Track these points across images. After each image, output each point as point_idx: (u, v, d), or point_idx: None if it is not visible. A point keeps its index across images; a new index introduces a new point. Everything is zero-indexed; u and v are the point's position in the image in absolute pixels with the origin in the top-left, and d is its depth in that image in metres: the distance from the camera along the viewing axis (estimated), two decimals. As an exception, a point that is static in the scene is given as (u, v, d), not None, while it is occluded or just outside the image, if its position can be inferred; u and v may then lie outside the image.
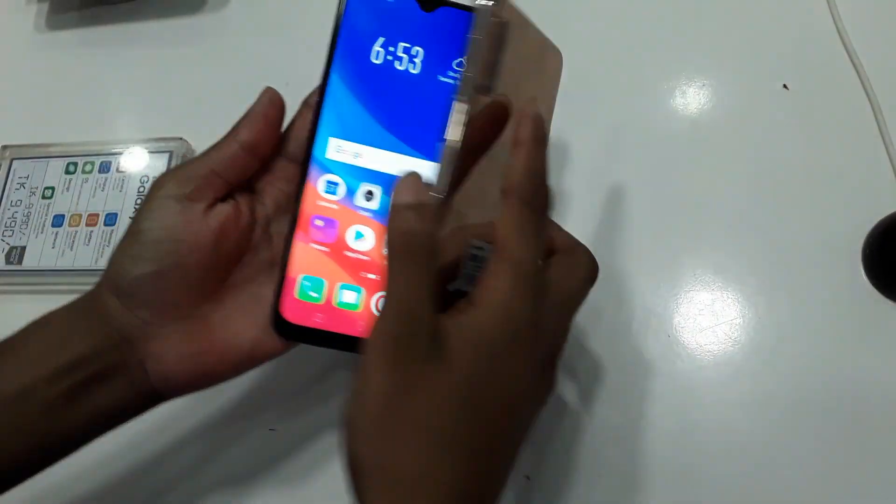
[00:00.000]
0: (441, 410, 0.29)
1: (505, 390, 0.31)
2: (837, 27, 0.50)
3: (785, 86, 0.50)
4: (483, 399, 0.30)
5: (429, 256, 0.30)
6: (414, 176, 0.31)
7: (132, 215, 0.37)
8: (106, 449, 0.40)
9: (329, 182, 0.37)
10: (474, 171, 0.32)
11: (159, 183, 0.36)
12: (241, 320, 0.37)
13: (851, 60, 0.49)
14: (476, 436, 0.30)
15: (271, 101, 0.38)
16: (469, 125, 0.31)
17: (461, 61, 0.35)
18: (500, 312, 0.30)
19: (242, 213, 0.38)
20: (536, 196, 0.32)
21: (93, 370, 0.35)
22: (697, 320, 0.44)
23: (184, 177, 0.36)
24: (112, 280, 0.36)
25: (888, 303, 0.43)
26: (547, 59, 0.37)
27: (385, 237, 0.31)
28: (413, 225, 0.30)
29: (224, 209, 0.37)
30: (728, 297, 0.45)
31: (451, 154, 0.31)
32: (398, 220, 0.30)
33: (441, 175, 0.31)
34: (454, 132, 0.31)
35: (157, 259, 0.35)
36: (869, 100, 0.48)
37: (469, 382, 0.30)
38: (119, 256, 0.36)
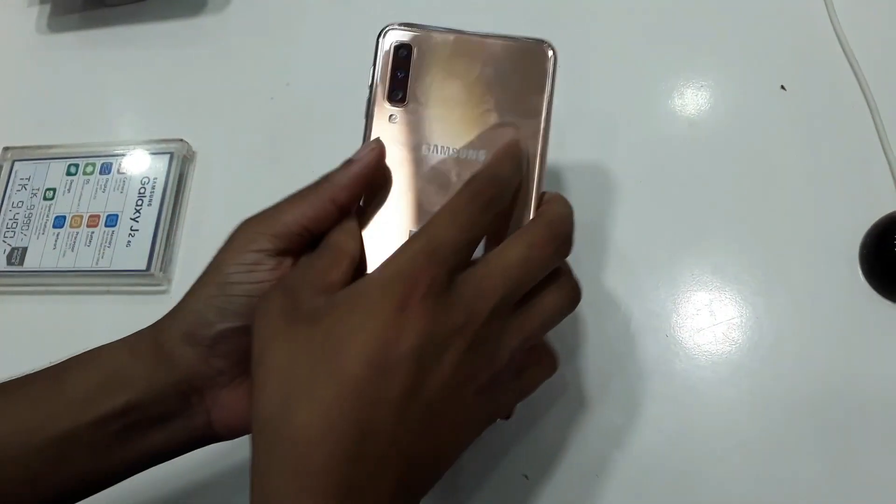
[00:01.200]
0: (300, 361, 0.30)
1: (369, 352, 0.29)
2: (835, 28, 0.51)
3: (782, 87, 0.50)
4: (342, 354, 0.29)
5: (329, 252, 0.34)
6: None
7: (209, 263, 0.35)
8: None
9: None
10: None
11: (250, 235, 0.34)
12: None
13: (849, 61, 0.50)
14: (330, 387, 0.29)
15: (376, 163, 0.35)
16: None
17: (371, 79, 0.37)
18: (390, 277, 0.30)
19: None
20: (485, 191, 0.32)
21: (150, 414, 0.34)
22: (695, 320, 0.45)
23: (276, 230, 0.34)
24: (191, 329, 0.34)
25: (885, 302, 0.44)
26: (517, 63, 0.37)
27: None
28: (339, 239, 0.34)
29: None
30: (726, 297, 0.45)
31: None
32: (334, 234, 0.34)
33: None
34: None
35: (245, 315, 0.33)
36: (866, 100, 0.48)
37: (331, 336, 0.29)
38: (201, 306, 0.34)
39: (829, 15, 0.51)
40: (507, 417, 0.36)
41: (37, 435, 0.33)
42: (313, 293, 0.31)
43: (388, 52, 0.36)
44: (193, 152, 0.56)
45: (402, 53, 0.36)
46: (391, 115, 0.36)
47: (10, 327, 0.53)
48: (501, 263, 0.32)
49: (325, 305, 0.31)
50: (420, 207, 0.35)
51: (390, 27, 0.37)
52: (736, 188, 0.48)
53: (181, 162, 0.54)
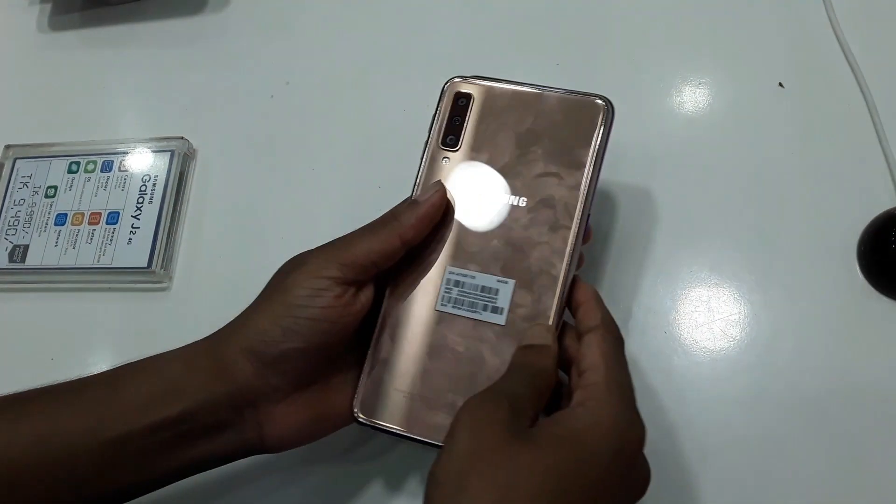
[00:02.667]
0: (520, 484, 0.30)
1: (594, 494, 0.31)
2: (833, 26, 0.51)
3: (781, 84, 0.50)
4: (566, 493, 0.30)
5: (544, 379, 0.34)
6: (546, 327, 0.36)
7: (263, 287, 0.37)
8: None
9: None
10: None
11: (322, 262, 0.36)
12: (357, 378, 0.38)
13: (847, 59, 0.50)
14: None
15: (441, 204, 0.38)
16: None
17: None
18: (605, 423, 0.32)
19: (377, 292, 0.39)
20: (619, 335, 0.36)
21: (202, 424, 0.35)
22: (693, 317, 0.45)
23: (347, 260, 0.36)
24: (252, 345, 0.35)
25: (883, 299, 0.44)
26: (569, 117, 0.39)
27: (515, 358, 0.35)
28: (548, 367, 0.35)
29: (370, 292, 0.37)
30: (724, 294, 0.45)
31: None
32: (541, 360, 0.35)
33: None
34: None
35: (309, 337, 0.35)
36: (864, 97, 0.48)
37: (555, 471, 0.30)
38: (266, 323, 0.35)
39: (828, 12, 0.51)
40: None
41: (88, 439, 0.34)
42: (530, 416, 0.33)
43: (448, 100, 0.40)
44: (194, 150, 0.56)
45: (462, 102, 0.40)
46: (444, 158, 0.39)
47: (12, 324, 0.54)
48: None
49: (550, 435, 0.31)
50: (459, 247, 0.38)
51: (456, 80, 0.41)
52: (734, 185, 0.48)
53: (182, 160, 0.55)
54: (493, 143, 0.39)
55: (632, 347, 0.44)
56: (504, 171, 0.39)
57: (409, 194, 0.39)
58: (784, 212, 0.47)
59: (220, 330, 0.37)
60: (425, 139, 0.40)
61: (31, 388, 0.36)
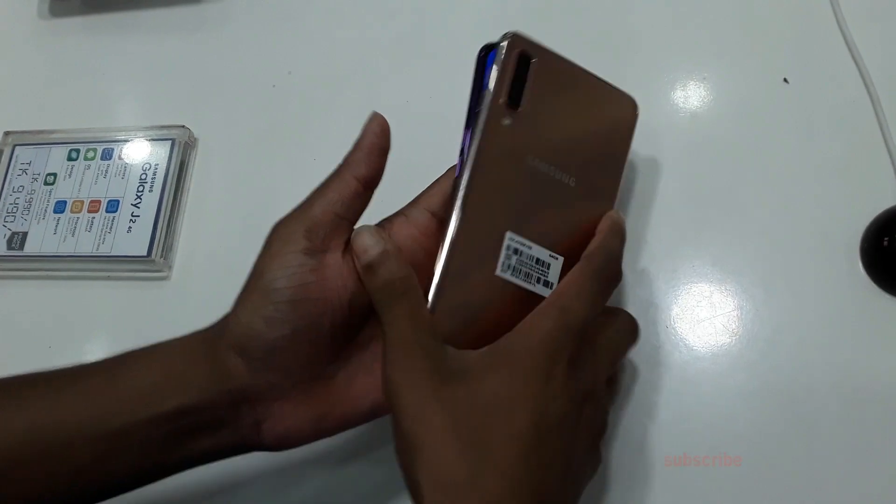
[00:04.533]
0: (468, 423, 0.30)
1: (534, 419, 0.31)
2: (838, 21, 0.51)
3: (785, 79, 0.50)
4: (512, 419, 0.31)
5: (414, 292, 0.34)
6: (366, 230, 0.34)
7: (253, 268, 0.35)
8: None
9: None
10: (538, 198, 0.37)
11: (284, 235, 0.34)
12: (364, 381, 0.35)
13: (852, 54, 0.49)
14: (508, 449, 0.30)
15: (382, 131, 0.36)
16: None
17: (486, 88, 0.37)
18: (537, 346, 0.32)
19: None
20: (605, 269, 0.36)
21: (200, 419, 0.34)
22: (695, 312, 0.45)
23: (310, 226, 0.34)
24: (239, 341, 0.33)
25: (885, 296, 0.44)
26: (611, 108, 0.39)
27: (372, 296, 0.34)
28: (390, 274, 0.33)
29: (349, 258, 0.35)
30: (726, 289, 0.45)
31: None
32: (372, 278, 0.33)
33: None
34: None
35: (294, 322, 0.33)
36: (869, 94, 0.48)
37: (495, 398, 0.31)
38: (248, 316, 0.33)
39: (833, 7, 0.51)
40: None
41: (85, 430, 0.33)
42: (449, 351, 0.33)
43: (511, 59, 0.37)
44: (195, 139, 0.56)
45: (524, 62, 0.37)
46: (505, 119, 0.36)
47: (10, 312, 0.53)
48: (611, 336, 0.36)
49: (476, 367, 0.32)
50: (517, 215, 0.37)
51: (514, 35, 0.37)
52: (737, 180, 0.48)
53: (183, 148, 0.54)
54: (551, 112, 0.38)
55: (633, 342, 0.44)
56: (559, 147, 0.37)
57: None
58: (787, 207, 0.46)
59: (215, 323, 0.36)
60: (470, 104, 0.37)
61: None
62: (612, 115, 0.39)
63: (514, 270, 0.36)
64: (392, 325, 0.33)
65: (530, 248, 0.37)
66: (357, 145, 0.36)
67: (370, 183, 0.35)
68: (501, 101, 0.36)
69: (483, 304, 0.36)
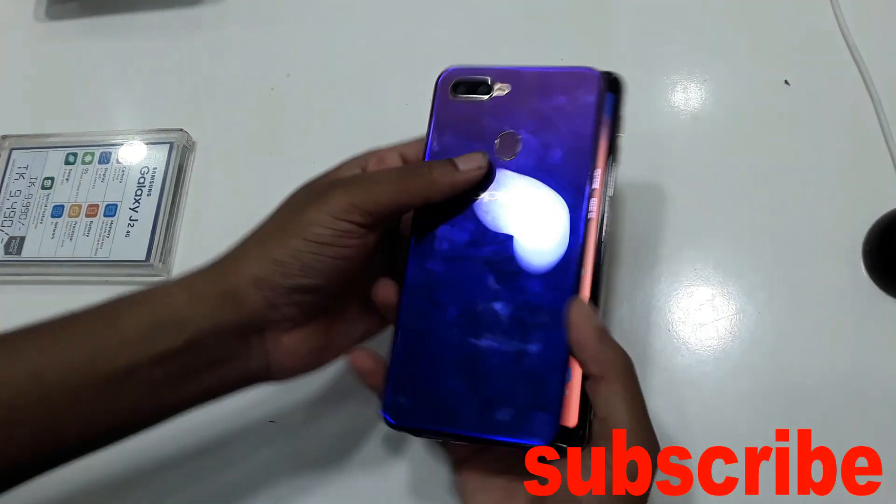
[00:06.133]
0: None
1: None
2: (839, 23, 0.50)
3: (786, 81, 0.50)
4: None
5: None
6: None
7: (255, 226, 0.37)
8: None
9: None
10: None
11: (346, 206, 0.34)
12: (359, 309, 0.38)
13: (853, 56, 0.49)
14: None
15: (478, 181, 0.36)
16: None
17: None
18: None
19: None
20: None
21: (209, 353, 0.34)
22: (698, 315, 0.45)
23: (370, 208, 0.34)
24: (266, 276, 0.34)
25: (888, 299, 0.43)
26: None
27: None
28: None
29: (379, 233, 0.36)
30: (728, 293, 0.45)
31: None
32: None
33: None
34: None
35: (329, 275, 0.34)
36: (870, 96, 0.48)
37: None
38: (284, 255, 0.34)
39: (834, 9, 0.51)
40: None
41: (88, 373, 0.32)
42: None
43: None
44: (193, 142, 0.56)
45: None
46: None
47: (8, 316, 0.52)
48: None
49: None
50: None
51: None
52: (739, 183, 0.47)
53: (181, 152, 0.54)
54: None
55: (635, 346, 0.44)
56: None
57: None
58: (789, 210, 0.46)
59: (223, 257, 0.36)
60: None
61: None
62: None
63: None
64: None
65: None
66: (453, 173, 0.36)
67: (433, 204, 0.36)
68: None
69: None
